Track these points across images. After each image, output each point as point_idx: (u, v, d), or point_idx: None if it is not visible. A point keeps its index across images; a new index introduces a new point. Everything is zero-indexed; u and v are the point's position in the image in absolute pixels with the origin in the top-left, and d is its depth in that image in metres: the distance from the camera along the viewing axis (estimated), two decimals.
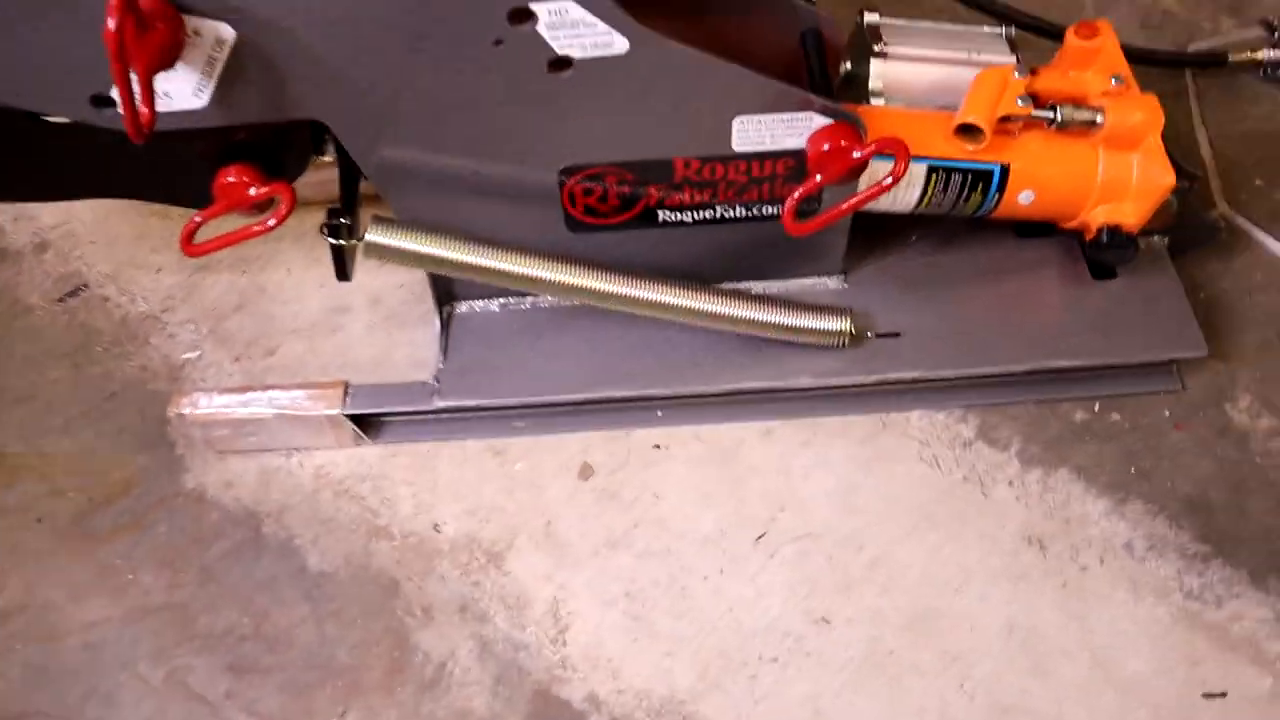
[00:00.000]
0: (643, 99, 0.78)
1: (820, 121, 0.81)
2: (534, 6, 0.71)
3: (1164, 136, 0.93)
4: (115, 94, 0.70)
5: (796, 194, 0.80)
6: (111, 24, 0.64)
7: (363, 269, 0.96)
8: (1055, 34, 1.09)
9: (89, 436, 1.03)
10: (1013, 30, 0.99)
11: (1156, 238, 1.02)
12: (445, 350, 0.98)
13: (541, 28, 0.72)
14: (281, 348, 1.07)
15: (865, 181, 0.86)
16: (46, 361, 1.08)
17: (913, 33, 0.97)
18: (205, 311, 1.11)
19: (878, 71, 0.94)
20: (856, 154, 0.78)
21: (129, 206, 1.18)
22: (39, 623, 0.92)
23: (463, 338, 0.99)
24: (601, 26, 0.72)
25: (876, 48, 0.94)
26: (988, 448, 0.97)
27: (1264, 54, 1.22)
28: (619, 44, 0.73)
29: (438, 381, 0.96)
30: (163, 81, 0.74)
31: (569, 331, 0.99)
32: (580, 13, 0.71)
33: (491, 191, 0.86)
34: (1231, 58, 1.23)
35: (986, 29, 0.99)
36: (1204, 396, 0.99)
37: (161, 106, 0.75)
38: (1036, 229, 1.02)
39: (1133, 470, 0.95)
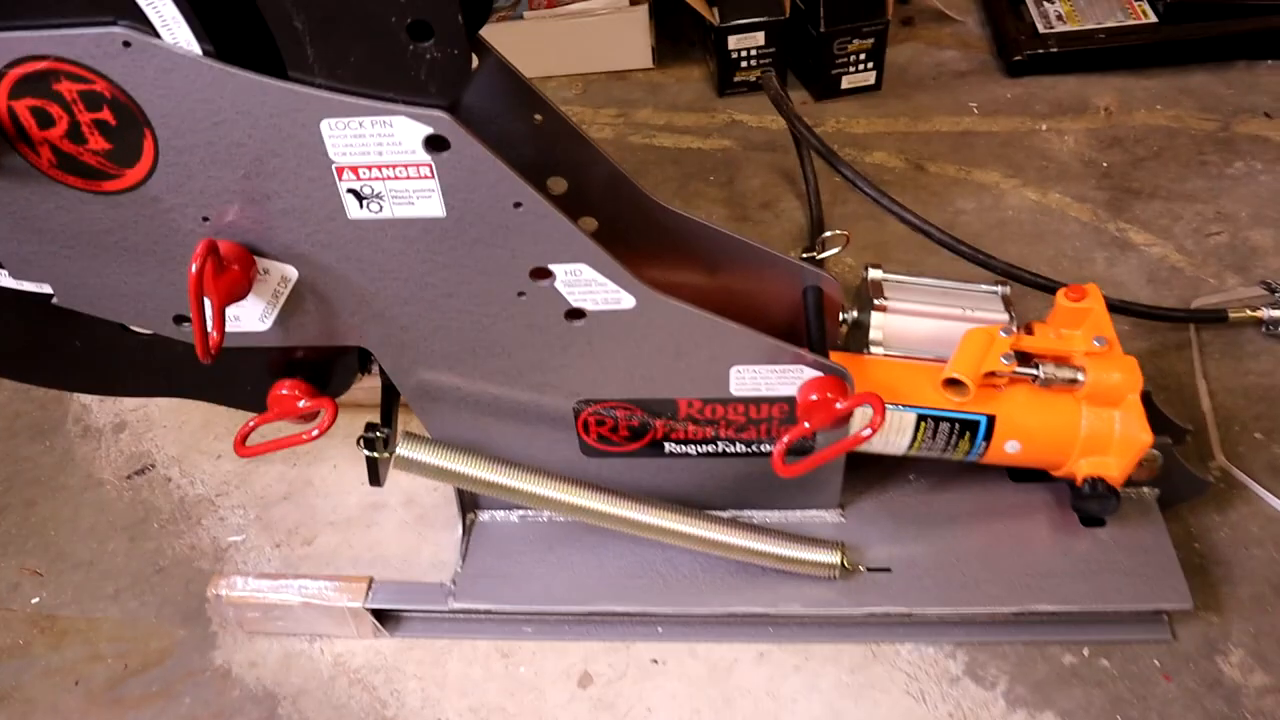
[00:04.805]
0: (648, 347, 0.88)
1: (810, 374, 0.89)
2: (552, 266, 0.82)
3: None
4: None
5: (784, 439, 0.88)
6: (194, 267, 0.77)
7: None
8: (1053, 289, 1.17)
9: (134, 606, 1.11)
10: (1008, 289, 1.08)
11: (1146, 489, 1.06)
12: (465, 555, 1.05)
13: (559, 284, 0.83)
14: (319, 538, 1.16)
15: (857, 426, 0.94)
16: (108, 533, 1.19)
17: (913, 288, 1.07)
18: (255, 498, 1.21)
19: (878, 323, 1.03)
20: (840, 405, 0.86)
21: None
22: None
23: (482, 544, 1.06)
24: (611, 286, 0.82)
25: (877, 301, 1.04)
26: (974, 685, 0.99)
27: (1264, 312, 1.29)
28: (626, 300, 0.83)
29: (454, 584, 1.03)
30: (234, 308, 0.86)
31: (579, 547, 1.05)
32: (592, 274, 0.82)
33: (514, 416, 0.95)
34: (1232, 315, 1.29)
35: (984, 286, 1.08)
36: (1195, 648, 1.01)
37: (231, 328, 0.86)
38: (1029, 474, 1.08)
39: (1119, 718, 0.97)
